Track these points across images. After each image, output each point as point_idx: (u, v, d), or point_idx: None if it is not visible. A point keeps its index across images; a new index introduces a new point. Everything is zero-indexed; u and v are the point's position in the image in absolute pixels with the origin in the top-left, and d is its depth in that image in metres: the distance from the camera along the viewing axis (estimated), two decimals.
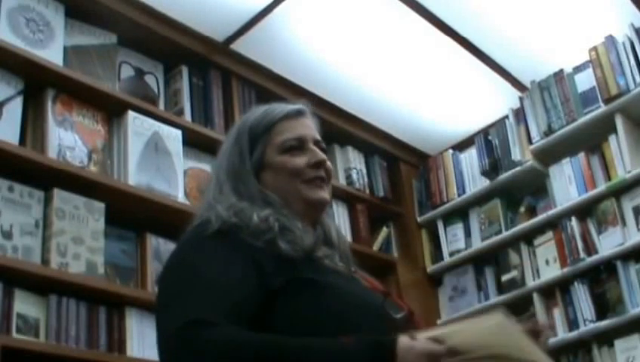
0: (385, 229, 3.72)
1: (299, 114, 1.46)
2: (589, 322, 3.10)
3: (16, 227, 2.26)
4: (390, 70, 3.34)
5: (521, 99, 3.52)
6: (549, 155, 3.41)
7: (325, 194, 1.42)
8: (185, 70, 3.03)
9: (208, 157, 2.87)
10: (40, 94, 2.52)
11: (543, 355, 1.19)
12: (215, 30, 3.06)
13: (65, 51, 2.62)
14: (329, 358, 1.10)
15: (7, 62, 2.42)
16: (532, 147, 3.42)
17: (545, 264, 3.35)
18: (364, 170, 3.71)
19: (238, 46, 3.13)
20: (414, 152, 3.95)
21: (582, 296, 3.16)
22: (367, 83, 3.41)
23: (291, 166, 1.39)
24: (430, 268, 3.72)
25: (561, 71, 3.40)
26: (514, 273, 3.42)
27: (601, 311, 3.09)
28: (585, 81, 3.31)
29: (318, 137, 1.47)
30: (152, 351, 2.42)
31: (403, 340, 1.08)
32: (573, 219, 3.25)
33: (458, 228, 3.70)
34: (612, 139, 3.23)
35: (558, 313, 3.24)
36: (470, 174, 3.72)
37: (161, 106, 2.95)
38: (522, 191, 3.56)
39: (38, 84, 2.50)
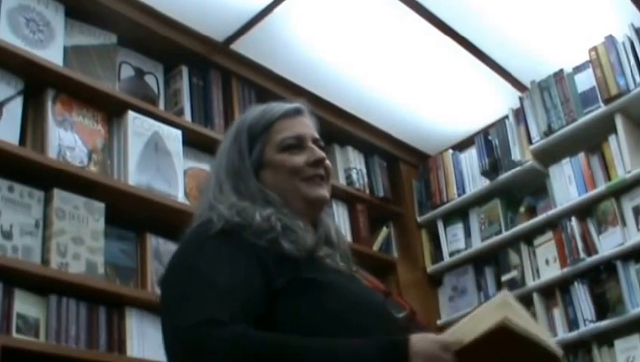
0: (385, 229, 3.72)
1: (297, 112, 1.47)
2: (589, 322, 3.10)
3: (16, 227, 2.26)
4: (390, 70, 3.34)
5: (521, 99, 3.52)
6: (549, 155, 3.41)
7: (325, 191, 1.42)
8: (185, 70, 3.03)
9: (208, 157, 2.86)
10: (40, 94, 2.52)
11: (544, 330, 1.20)
12: (215, 30, 3.06)
13: (65, 51, 2.62)
14: (343, 359, 1.10)
15: (7, 62, 2.42)
16: (532, 147, 3.42)
17: (545, 264, 3.35)
18: (364, 170, 3.71)
19: (238, 46, 3.13)
20: (414, 152, 3.95)
21: (582, 296, 3.16)
22: (367, 83, 3.41)
23: (290, 164, 1.40)
24: (430, 268, 3.73)
25: (561, 71, 3.40)
26: (514, 273, 3.42)
27: (601, 311, 3.09)
28: (585, 81, 3.32)
29: (317, 135, 1.47)
30: (152, 351, 2.42)
31: (414, 338, 1.10)
32: (573, 219, 3.25)
33: (458, 228, 3.71)
34: (612, 139, 3.23)
35: (558, 313, 3.24)
36: (470, 174, 3.72)
37: (161, 106, 2.95)
38: (522, 191, 3.56)
39: (38, 84, 2.50)
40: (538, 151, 3.42)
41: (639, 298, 3.01)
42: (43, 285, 2.25)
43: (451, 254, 3.67)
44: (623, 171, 3.16)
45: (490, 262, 3.58)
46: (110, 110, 2.69)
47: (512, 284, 3.40)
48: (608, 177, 3.23)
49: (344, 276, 1.33)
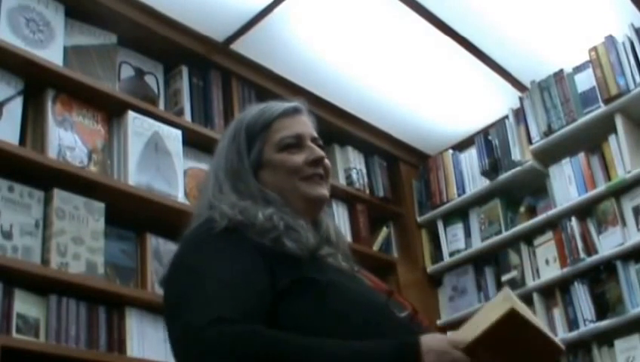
0: (385, 229, 3.72)
1: (295, 111, 1.47)
2: (589, 322, 3.10)
3: (16, 227, 2.26)
4: (390, 70, 3.34)
5: (521, 99, 3.52)
6: (549, 155, 3.41)
7: (324, 190, 1.42)
8: (185, 70, 3.03)
9: (208, 157, 2.85)
10: (40, 94, 2.52)
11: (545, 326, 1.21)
12: (215, 30, 3.06)
13: (65, 51, 2.62)
14: (357, 359, 1.11)
15: (7, 62, 2.42)
16: (532, 147, 3.42)
17: (545, 264, 3.35)
18: (364, 170, 3.71)
19: (238, 46, 3.13)
20: (414, 152, 3.95)
21: (582, 296, 3.16)
22: (367, 83, 3.41)
23: (290, 163, 1.39)
24: (430, 268, 3.73)
25: (561, 71, 3.40)
26: (514, 273, 3.42)
27: (601, 311, 3.09)
28: (585, 81, 3.32)
29: (315, 134, 1.47)
30: (152, 351, 2.42)
31: (425, 337, 1.12)
32: (573, 219, 3.25)
33: (458, 228, 3.71)
34: (612, 139, 3.23)
35: (558, 313, 3.24)
36: (470, 174, 3.72)
37: (161, 106, 2.95)
38: (522, 191, 3.56)
39: (38, 84, 2.50)
40: (538, 151, 3.42)
41: (639, 298, 3.01)
42: (43, 285, 2.25)
43: (451, 254, 3.67)
44: (623, 171, 3.16)
45: (490, 262, 3.58)
46: (110, 110, 2.69)
47: (512, 284, 3.40)
48: (608, 177, 3.23)
49: (346, 275, 1.33)
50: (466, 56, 3.28)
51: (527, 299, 3.30)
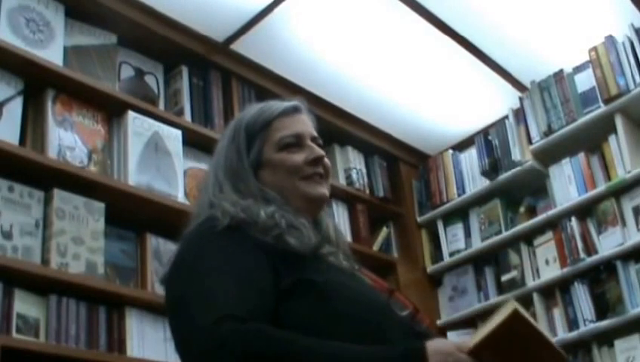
0: (385, 229, 3.72)
1: (295, 110, 1.46)
2: (589, 322, 3.10)
3: (16, 227, 2.26)
4: (390, 70, 3.34)
5: (521, 99, 3.52)
6: (549, 155, 3.41)
7: (324, 189, 1.42)
8: (185, 70, 3.03)
9: (208, 157, 2.83)
10: (40, 94, 2.52)
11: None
12: (215, 30, 3.06)
13: (65, 51, 2.62)
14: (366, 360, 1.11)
15: (7, 62, 2.42)
16: (532, 147, 3.42)
17: (545, 264, 3.35)
18: (364, 170, 3.71)
19: (238, 46, 3.13)
20: (414, 152, 3.95)
21: (582, 296, 3.16)
22: (367, 83, 3.41)
23: (290, 163, 1.39)
24: (430, 268, 3.73)
25: (561, 71, 3.40)
26: (514, 273, 3.42)
27: (601, 311, 3.09)
28: (585, 81, 3.32)
29: (315, 133, 1.46)
30: (152, 351, 2.42)
31: (430, 342, 1.13)
32: (573, 219, 3.25)
33: (458, 228, 3.71)
34: (612, 139, 3.23)
35: (558, 313, 3.24)
36: (470, 174, 3.72)
37: (161, 106, 2.95)
38: (522, 191, 3.56)
39: (38, 84, 2.50)
40: (538, 151, 3.42)
41: (639, 298, 3.01)
42: (43, 285, 2.25)
43: (451, 254, 3.67)
44: (623, 171, 3.16)
45: (490, 262, 3.58)
46: (110, 110, 2.69)
47: (512, 284, 3.40)
48: (608, 177, 3.23)
49: (347, 274, 1.33)
50: (466, 56, 3.28)
51: (527, 299, 3.31)
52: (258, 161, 1.41)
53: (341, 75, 3.34)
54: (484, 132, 3.70)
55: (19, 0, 2.53)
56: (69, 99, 2.57)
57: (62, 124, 2.52)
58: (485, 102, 3.62)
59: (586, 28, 3.23)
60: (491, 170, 3.58)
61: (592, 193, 3.24)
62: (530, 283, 3.35)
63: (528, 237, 3.45)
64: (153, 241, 2.63)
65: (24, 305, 2.19)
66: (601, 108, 3.24)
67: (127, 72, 2.87)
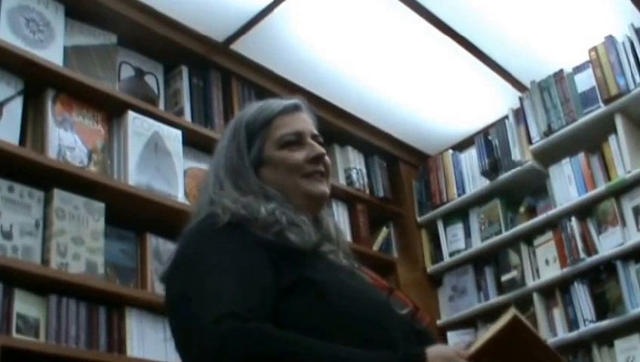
0: (385, 229, 3.72)
1: (295, 108, 1.46)
2: (588, 322, 3.10)
3: (16, 227, 2.26)
4: (390, 70, 3.34)
5: (521, 99, 3.52)
6: (549, 155, 3.41)
7: (325, 187, 1.42)
8: (185, 70, 3.03)
9: (208, 157, 2.83)
10: (40, 94, 2.52)
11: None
12: (215, 30, 3.06)
13: (65, 51, 2.62)
14: None
15: (7, 62, 2.42)
16: (532, 147, 3.42)
17: (545, 264, 3.35)
18: (364, 170, 3.71)
19: (238, 46, 3.13)
20: (414, 152, 3.95)
21: (582, 296, 3.16)
22: (367, 83, 3.41)
23: (290, 161, 1.39)
24: (430, 268, 3.73)
25: (561, 71, 3.40)
26: (514, 273, 3.42)
27: (601, 311, 3.09)
28: (585, 81, 3.32)
29: (316, 131, 1.46)
30: (152, 351, 2.42)
31: (431, 348, 1.13)
32: (573, 219, 3.25)
33: (458, 228, 3.71)
34: (612, 139, 3.23)
35: (558, 313, 3.24)
36: (470, 174, 3.72)
37: (161, 106, 2.95)
38: (522, 192, 3.56)
39: (38, 84, 2.50)
40: (538, 152, 3.42)
41: (639, 298, 3.01)
42: (43, 285, 2.25)
43: (451, 254, 3.67)
44: (623, 171, 3.16)
45: (490, 262, 3.58)
46: (110, 110, 2.69)
47: (512, 284, 3.40)
48: (608, 177, 3.23)
49: (347, 273, 1.33)
50: (466, 56, 3.28)
51: (527, 299, 3.31)
52: (259, 159, 1.40)
53: (341, 75, 3.34)
54: (484, 132, 3.70)
55: (19, 0, 2.53)
56: (69, 99, 2.57)
57: (62, 124, 2.52)
58: (485, 102, 3.62)
59: (586, 28, 3.23)
60: (491, 170, 3.58)
61: (592, 193, 3.24)
62: (530, 283, 3.35)
63: (528, 237, 3.45)
64: (153, 241, 2.63)
65: (24, 305, 2.19)
66: (601, 108, 3.24)
67: (127, 72, 2.87)
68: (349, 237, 3.41)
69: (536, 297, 3.30)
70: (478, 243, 3.60)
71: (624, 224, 3.14)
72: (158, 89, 2.97)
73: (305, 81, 3.31)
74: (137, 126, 2.69)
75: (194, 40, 3.04)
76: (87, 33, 2.74)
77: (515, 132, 3.52)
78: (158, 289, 2.41)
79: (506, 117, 3.59)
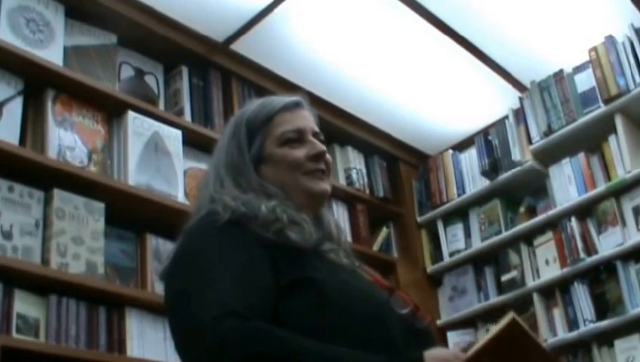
0: (385, 229, 3.72)
1: (297, 105, 1.46)
2: (588, 322, 3.10)
3: (16, 227, 2.26)
4: (390, 70, 3.34)
5: (521, 99, 3.52)
6: (549, 155, 3.41)
7: (326, 185, 1.41)
8: (185, 70, 3.03)
9: (208, 157, 2.81)
10: (40, 94, 2.52)
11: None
12: (215, 30, 3.06)
13: (65, 51, 2.62)
14: None
15: (7, 62, 2.42)
16: (532, 147, 3.42)
17: (545, 264, 3.35)
18: (364, 170, 3.71)
19: (238, 46, 3.13)
20: (414, 152, 3.95)
21: (582, 296, 3.16)
22: (367, 83, 3.41)
23: (291, 158, 1.38)
24: (430, 268, 3.73)
25: (561, 71, 3.40)
26: (514, 273, 3.42)
27: (601, 311, 3.09)
28: (585, 81, 3.32)
29: (317, 129, 1.46)
30: (152, 351, 2.42)
31: (428, 352, 1.13)
32: (573, 219, 3.25)
33: (458, 229, 3.71)
34: (612, 139, 3.23)
35: (558, 313, 3.24)
36: (470, 174, 3.72)
37: (161, 106, 2.95)
38: (522, 192, 3.56)
39: (38, 84, 2.50)
40: (538, 152, 3.42)
41: (639, 298, 3.01)
42: (43, 285, 2.25)
43: (451, 254, 3.67)
44: (622, 171, 3.16)
45: (490, 262, 3.58)
46: (110, 110, 2.69)
47: (512, 284, 3.40)
48: (608, 177, 3.23)
49: (348, 271, 1.32)
50: (466, 56, 3.28)
51: (527, 299, 3.31)
52: (259, 156, 1.40)
53: (341, 75, 3.34)
54: (484, 132, 3.70)
55: (19, 0, 2.53)
56: (69, 99, 2.57)
57: (62, 124, 2.52)
58: (485, 102, 3.62)
59: (586, 28, 3.23)
60: (491, 170, 3.58)
61: (592, 193, 3.24)
62: (530, 283, 3.35)
63: (528, 237, 3.45)
64: (153, 241, 2.63)
65: (24, 305, 2.19)
66: (601, 108, 3.24)
67: (127, 72, 2.87)
68: (349, 238, 3.41)
69: (536, 297, 3.30)
70: (478, 243, 3.60)
71: (624, 224, 3.14)
72: (158, 89, 2.97)
73: (305, 81, 3.31)
74: (137, 126, 2.69)
75: (194, 40, 3.04)
76: (87, 33, 2.74)
77: (515, 132, 3.52)
78: (158, 289, 2.41)
79: (506, 117, 3.59)
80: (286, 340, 1.11)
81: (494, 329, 1.12)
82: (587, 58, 3.31)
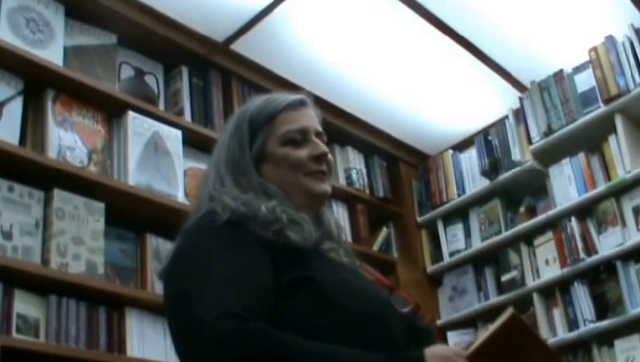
0: (385, 229, 3.72)
1: (301, 104, 1.44)
2: (588, 322, 3.10)
3: (16, 227, 2.26)
4: (390, 70, 3.34)
5: (521, 99, 3.52)
6: (549, 155, 3.41)
7: (327, 186, 1.40)
8: (185, 70, 3.03)
9: (208, 157, 2.80)
10: (40, 94, 2.52)
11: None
12: (215, 30, 3.06)
13: (65, 51, 2.62)
14: None
15: (7, 62, 2.42)
16: (532, 147, 3.42)
17: (545, 264, 3.35)
18: (364, 170, 3.71)
19: (238, 46, 3.13)
20: (414, 152, 3.95)
21: (582, 296, 3.16)
22: (367, 83, 3.41)
23: (293, 158, 1.37)
24: (430, 268, 3.72)
25: (561, 71, 3.40)
26: (514, 273, 3.42)
27: (601, 311, 3.08)
28: (585, 81, 3.32)
29: (320, 129, 1.44)
30: (152, 351, 2.42)
31: (429, 350, 1.12)
32: (573, 219, 3.25)
33: (458, 229, 3.71)
34: (612, 139, 3.23)
35: (558, 313, 3.24)
36: (470, 174, 3.72)
37: (161, 106, 2.95)
38: (522, 192, 3.56)
39: (38, 84, 2.50)
40: (538, 152, 3.42)
41: (639, 298, 3.01)
42: (43, 285, 2.25)
43: (451, 254, 3.67)
44: (622, 171, 3.16)
45: (490, 262, 3.58)
46: (110, 110, 2.69)
47: (512, 284, 3.40)
48: (608, 177, 3.23)
49: (348, 271, 1.32)
50: (466, 56, 3.28)
51: (527, 299, 3.31)
52: (261, 154, 1.39)
53: (341, 75, 3.33)
54: (484, 132, 3.70)
55: (19, 0, 2.53)
56: (69, 99, 2.57)
57: (62, 124, 2.52)
58: (485, 102, 3.62)
59: (586, 28, 3.23)
60: (491, 170, 3.58)
61: (592, 193, 3.24)
62: (530, 283, 3.35)
63: (528, 237, 3.45)
64: (153, 241, 2.63)
65: (24, 305, 2.19)
66: (601, 109, 3.24)
67: (127, 72, 2.87)
68: (349, 238, 3.41)
69: (536, 297, 3.30)
70: (478, 244, 3.60)
71: (624, 224, 3.14)
72: (158, 89, 2.97)
73: (305, 81, 3.30)
74: (137, 126, 2.69)
75: (194, 40, 3.04)
76: (87, 33, 2.74)
77: (515, 132, 3.52)
78: (158, 289, 2.41)
79: (506, 117, 3.59)
80: (286, 341, 1.11)
81: (494, 325, 1.12)
82: (587, 58, 3.31)
